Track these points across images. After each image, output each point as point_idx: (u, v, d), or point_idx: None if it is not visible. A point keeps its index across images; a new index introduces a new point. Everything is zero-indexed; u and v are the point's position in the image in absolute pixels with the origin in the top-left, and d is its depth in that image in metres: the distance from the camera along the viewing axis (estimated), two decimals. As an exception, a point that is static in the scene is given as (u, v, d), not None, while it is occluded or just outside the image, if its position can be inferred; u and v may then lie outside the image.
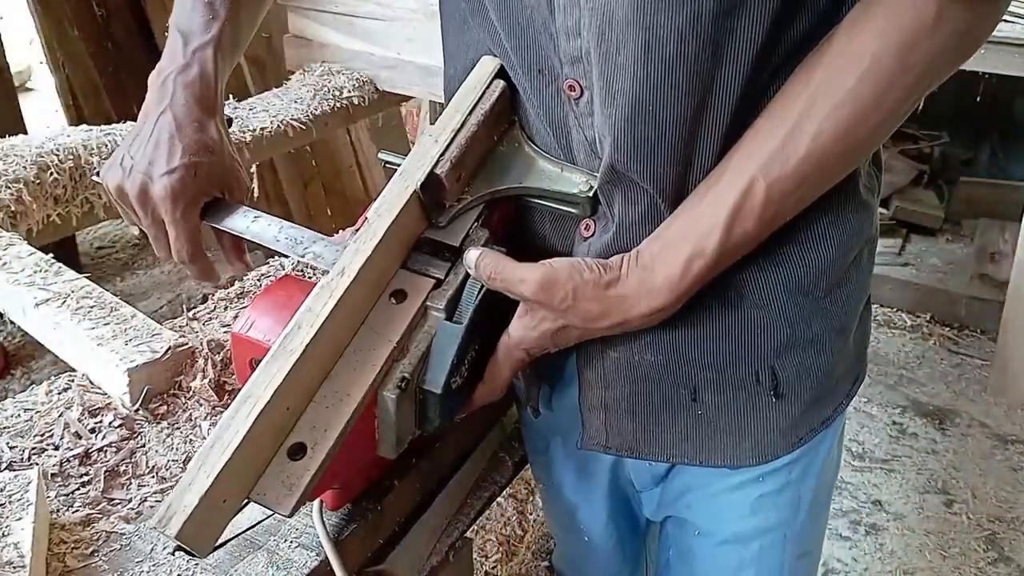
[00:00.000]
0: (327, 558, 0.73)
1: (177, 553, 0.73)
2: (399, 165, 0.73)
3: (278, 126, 2.11)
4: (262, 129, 2.08)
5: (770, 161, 0.63)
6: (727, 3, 0.59)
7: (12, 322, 1.15)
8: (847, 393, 0.84)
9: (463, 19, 0.78)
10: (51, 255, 1.21)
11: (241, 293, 1.15)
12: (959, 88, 2.74)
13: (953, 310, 2.93)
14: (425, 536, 0.88)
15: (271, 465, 0.61)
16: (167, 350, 0.96)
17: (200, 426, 0.91)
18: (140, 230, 0.83)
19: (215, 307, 1.13)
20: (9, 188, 1.59)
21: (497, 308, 0.71)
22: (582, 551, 1.08)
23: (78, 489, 0.84)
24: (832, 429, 0.85)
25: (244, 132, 2.04)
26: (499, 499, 1.78)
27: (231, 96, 2.12)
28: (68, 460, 0.86)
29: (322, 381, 0.64)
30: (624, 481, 0.96)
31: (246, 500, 0.61)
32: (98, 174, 0.83)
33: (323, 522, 0.75)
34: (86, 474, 0.85)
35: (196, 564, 0.73)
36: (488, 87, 0.75)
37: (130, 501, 0.82)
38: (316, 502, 0.75)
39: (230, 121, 0.87)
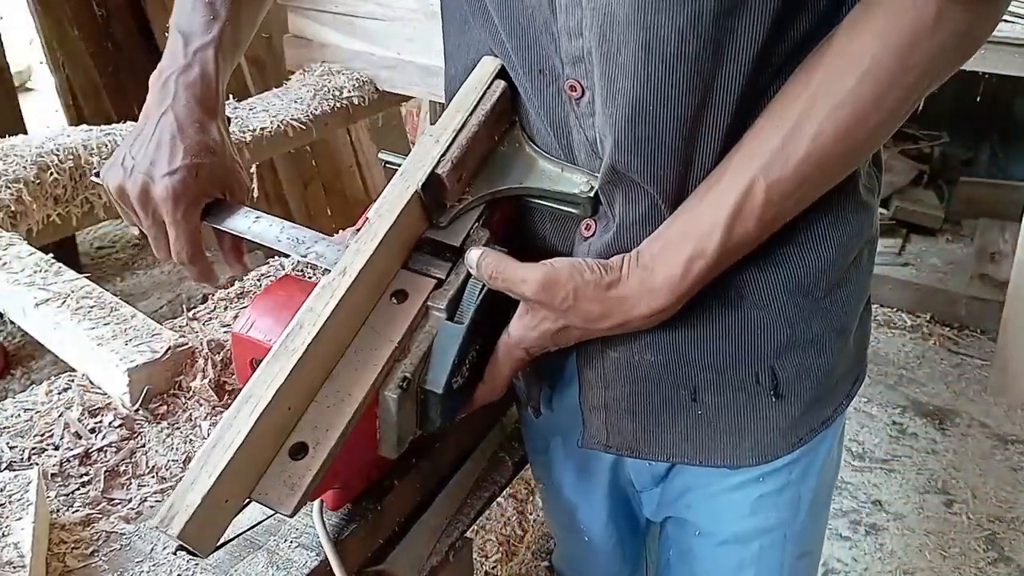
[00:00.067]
0: (327, 558, 0.73)
1: (178, 553, 0.73)
2: (399, 165, 0.73)
3: (278, 126, 2.11)
4: (262, 129, 2.08)
5: (770, 162, 0.63)
6: (728, 3, 0.59)
7: (12, 322, 1.15)
8: (847, 393, 0.84)
9: (464, 19, 0.78)
10: (51, 255, 1.20)
11: (241, 293, 1.15)
12: (959, 88, 2.74)
13: (953, 310, 2.93)
14: (425, 536, 0.88)
15: (273, 465, 0.61)
16: (167, 350, 0.96)
17: (200, 426, 0.91)
18: (140, 230, 0.83)
19: (215, 307, 1.13)
20: (9, 188, 1.59)
21: (498, 308, 0.71)
22: (582, 551, 1.08)
23: (78, 489, 0.84)
24: (832, 429, 0.85)
25: (244, 132, 2.04)
26: (499, 499, 1.78)
27: (231, 96, 2.12)
28: (68, 460, 0.86)
29: (324, 381, 0.64)
30: (624, 481, 0.96)
31: (248, 500, 0.61)
32: (98, 174, 0.83)
33: (323, 522, 0.75)
34: (86, 474, 0.85)
35: (196, 564, 0.73)
36: (489, 87, 0.75)
37: (130, 501, 0.82)
38: (316, 502, 0.75)
39: (228, 121, 0.87)
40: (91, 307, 1.05)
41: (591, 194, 0.72)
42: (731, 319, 0.74)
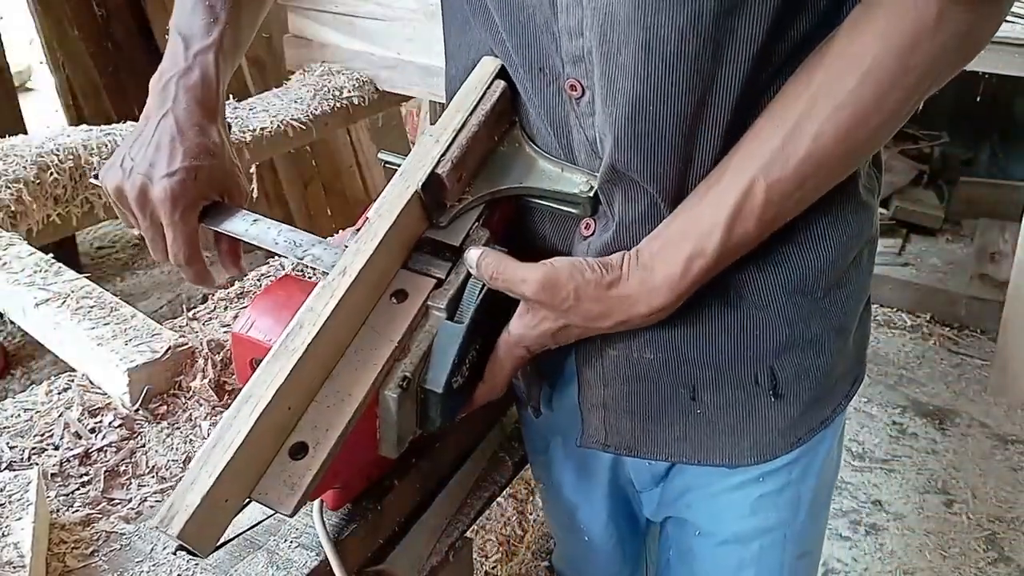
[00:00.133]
0: (327, 558, 0.73)
1: (178, 553, 0.73)
2: (399, 165, 0.73)
3: (278, 126, 2.11)
4: (262, 129, 2.08)
5: (771, 161, 0.63)
6: (728, 3, 0.59)
7: (12, 322, 1.15)
8: (846, 394, 0.84)
9: (465, 19, 0.78)
10: (51, 255, 1.21)
11: (241, 293, 1.15)
12: (959, 88, 2.74)
13: (953, 310, 2.93)
14: (425, 536, 0.88)
15: (273, 465, 0.61)
16: (167, 350, 0.96)
17: (200, 426, 0.92)
18: (138, 232, 0.83)
19: (215, 307, 1.13)
20: (9, 188, 1.60)
21: (498, 307, 0.71)
22: (582, 551, 1.08)
23: (78, 489, 0.84)
24: (831, 429, 0.85)
25: (244, 132, 2.04)
26: (499, 499, 1.78)
27: (231, 96, 2.12)
28: (68, 460, 0.86)
29: (324, 381, 0.64)
30: (624, 481, 0.96)
31: (248, 500, 0.61)
32: (96, 176, 0.83)
33: (323, 522, 0.75)
34: (86, 474, 0.85)
35: (196, 564, 0.74)
36: (489, 87, 0.75)
37: (130, 501, 0.82)
38: (316, 502, 0.75)
39: (229, 127, 0.87)
40: (91, 307, 1.05)
41: (591, 194, 0.72)
42: (731, 318, 0.74)
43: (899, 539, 2.10)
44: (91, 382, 0.98)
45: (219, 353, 0.99)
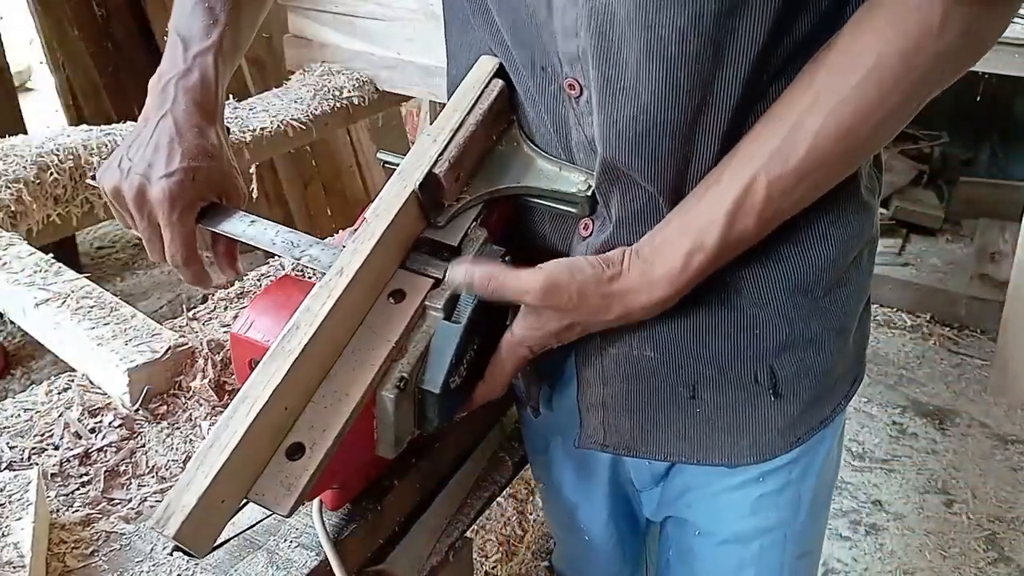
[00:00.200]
0: (327, 558, 0.73)
1: (176, 553, 0.73)
2: (398, 165, 0.73)
3: (278, 126, 2.11)
4: (262, 129, 2.08)
5: (772, 158, 0.63)
6: (728, 3, 0.59)
7: (12, 322, 1.15)
8: (846, 394, 0.84)
9: (465, 19, 0.78)
10: (51, 255, 1.21)
11: (241, 293, 1.16)
12: (959, 88, 2.70)
13: (953, 310, 2.93)
14: (425, 536, 0.88)
15: (269, 465, 0.61)
16: (167, 350, 0.96)
17: (200, 426, 0.92)
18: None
19: (215, 307, 1.13)
20: (9, 188, 1.60)
21: (496, 307, 0.71)
22: (582, 551, 1.08)
23: (78, 489, 0.84)
24: (831, 429, 0.85)
25: (244, 132, 2.04)
26: (499, 499, 1.78)
27: (231, 96, 2.12)
28: (68, 460, 0.87)
29: (321, 381, 0.64)
30: (624, 480, 0.96)
31: (244, 500, 0.61)
32: (94, 176, 0.83)
33: (323, 522, 0.75)
34: (86, 474, 0.85)
35: (196, 564, 0.74)
36: (487, 86, 0.75)
37: (130, 501, 0.82)
38: (316, 502, 0.75)
39: (228, 131, 0.87)
40: (91, 307, 1.05)
41: (588, 193, 0.72)
42: (731, 317, 0.74)
43: (899, 539, 2.10)
44: (91, 382, 0.98)
45: (219, 353, 0.99)
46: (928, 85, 0.62)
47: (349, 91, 2.35)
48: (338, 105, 2.31)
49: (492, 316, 0.71)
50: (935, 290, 2.98)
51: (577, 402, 0.82)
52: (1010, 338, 2.48)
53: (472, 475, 0.97)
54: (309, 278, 0.94)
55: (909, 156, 3.48)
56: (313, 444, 0.62)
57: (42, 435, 0.89)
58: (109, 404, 0.94)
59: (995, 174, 3.49)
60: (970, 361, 2.75)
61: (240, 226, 0.79)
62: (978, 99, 2.89)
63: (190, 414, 0.93)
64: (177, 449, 0.89)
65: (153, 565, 0.74)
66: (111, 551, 0.76)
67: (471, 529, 0.95)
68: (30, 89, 5.12)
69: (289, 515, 0.60)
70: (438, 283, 0.70)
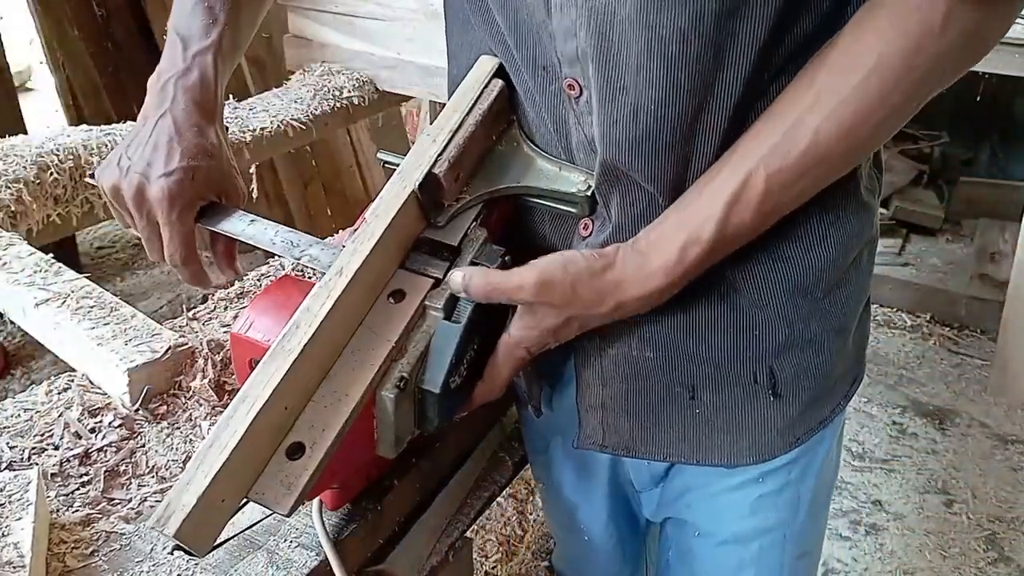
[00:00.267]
0: (327, 558, 0.73)
1: (176, 553, 0.73)
2: (398, 165, 0.73)
3: (278, 126, 2.11)
4: (262, 129, 2.08)
5: (771, 153, 0.63)
6: (730, 3, 0.59)
7: (12, 322, 1.15)
8: (845, 394, 0.84)
9: (466, 19, 0.78)
10: (51, 255, 1.21)
11: (241, 293, 1.16)
12: (959, 88, 2.70)
13: (953, 310, 2.93)
14: (425, 536, 0.88)
15: (269, 465, 0.61)
16: (167, 350, 0.96)
17: (200, 426, 0.92)
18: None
19: (215, 307, 1.13)
20: (9, 188, 1.60)
21: (496, 307, 0.71)
22: (582, 551, 1.08)
23: (78, 489, 0.84)
24: (831, 429, 0.85)
25: (244, 132, 2.04)
26: (499, 499, 1.78)
27: (231, 96, 2.12)
28: (68, 460, 0.87)
29: (320, 381, 0.64)
30: (624, 481, 0.96)
31: (245, 500, 0.61)
32: (93, 175, 0.83)
33: (323, 522, 0.75)
34: (86, 474, 0.85)
35: (196, 564, 0.74)
36: (486, 86, 0.75)
37: (130, 501, 0.82)
38: (316, 502, 0.75)
39: (227, 130, 0.87)
40: (91, 307, 1.05)
41: (588, 193, 0.72)
42: (730, 317, 0.74)
43: (899, 539, 2.10)
44: (91, 382, 0.98)
45: (219, 353, 0.99)
46: (929, 85, 0.62)
47: (349, 91, 2.35)
48: (338, 105, 2.31)
49: (492, 316, 0.71)
50: (935, 290, 2.98)
51: (576, 403, 0.82)
52: (1010, 338, 2.48)
53: (472, 475, 0.97)
54: (309, 278, 0.94)
55: (909, 156, 3.48)
56: (313, 444, 0.62)
57: (42, 435, 0.89)
58: (109, 404, 0.94)
59: (995, 174, 3.48)
60: (970, 361, 2.75)
61: (239, 225, 0.79)
62: (978, 99, 2.88)
63: (190, 414, 0.93)
64: (177, 449, 0.89)
65: (153, 565, 0.74)
66: (111, 551, 0.76)
67: (471, 529, 0.95)
68: (30, 89, 5.12)
69: (289, 515, 0.60)
70: (438, 283, 0.70)
